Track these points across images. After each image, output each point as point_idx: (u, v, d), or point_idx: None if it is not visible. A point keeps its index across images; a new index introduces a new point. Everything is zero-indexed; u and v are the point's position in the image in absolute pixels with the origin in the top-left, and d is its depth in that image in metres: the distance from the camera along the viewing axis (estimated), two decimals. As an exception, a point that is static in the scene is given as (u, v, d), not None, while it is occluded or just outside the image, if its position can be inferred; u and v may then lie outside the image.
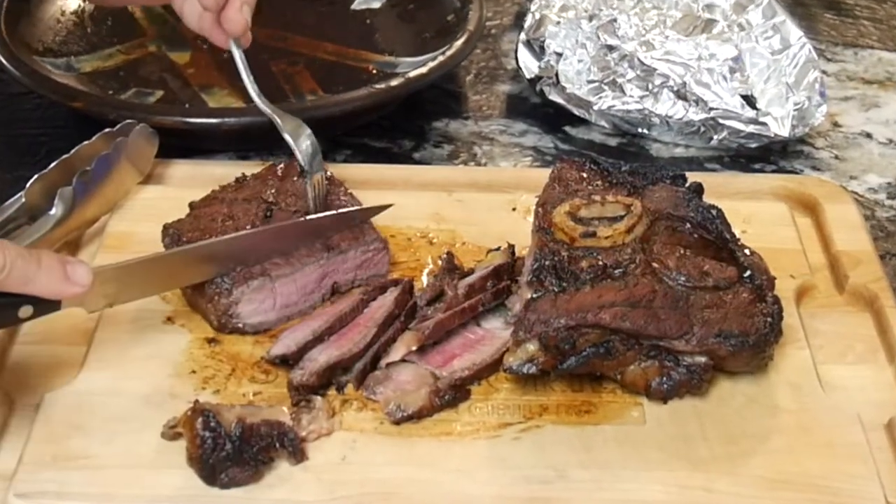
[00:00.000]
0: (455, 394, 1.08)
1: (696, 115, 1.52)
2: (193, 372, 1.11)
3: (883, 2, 2.01)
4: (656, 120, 1.55)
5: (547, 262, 1.08)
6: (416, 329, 1.13)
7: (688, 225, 1.14)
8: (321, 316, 1.17)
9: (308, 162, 1.26)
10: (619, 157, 1.51)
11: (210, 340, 1.15)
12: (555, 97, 1.60)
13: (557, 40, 1.58)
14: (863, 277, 1.24)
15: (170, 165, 1.41)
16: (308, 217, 1.21)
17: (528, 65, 1.62)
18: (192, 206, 1.25)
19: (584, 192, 1.19)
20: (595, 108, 1.57)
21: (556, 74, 1.57)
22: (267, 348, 1.13)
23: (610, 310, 1.03)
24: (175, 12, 1.35)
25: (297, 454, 1.01)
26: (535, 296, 1.06)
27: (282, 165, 1.31)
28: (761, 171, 1.53)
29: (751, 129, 1.51)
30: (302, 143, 1.27)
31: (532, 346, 1.04)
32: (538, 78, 1.61)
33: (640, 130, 1.59)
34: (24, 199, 1.25)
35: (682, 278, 1.07)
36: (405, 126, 1.61)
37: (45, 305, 1.02)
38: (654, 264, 1.09)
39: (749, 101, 1.51)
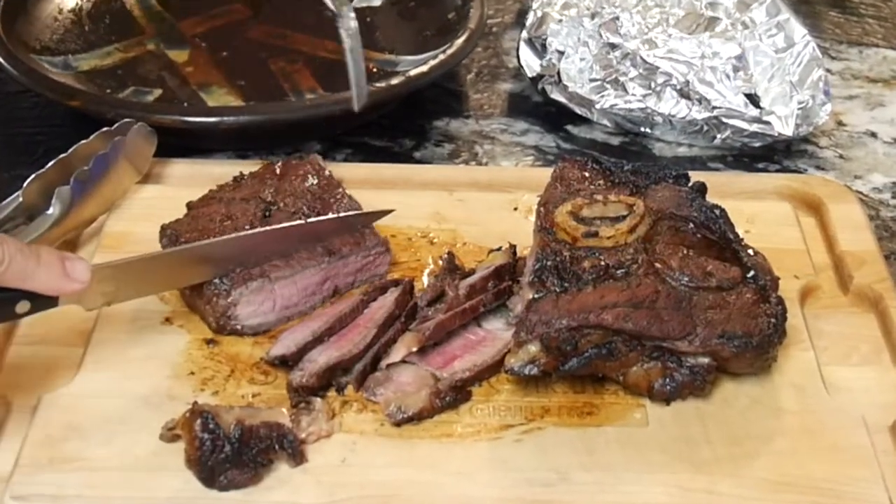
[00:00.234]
0: (456, 395, 1.08)
1: (699, 113, 1.52)
2: (192, 373, 1.11)
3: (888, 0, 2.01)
4: (659, 119, 1.55)
5: (549, 263, 1.08)
6: (417, 330, 1.13)
7: (691, 225, 1.13)
8: (321, 317, 1.17)
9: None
10: (621, 157, 1.52)
11: (209, 341, 1.15)
12: (557, 96, 1.60)
13: (559, 38, 1.58)
14: (867, 278, 1.24)
15: (168, 165, 1.41)
16: (308, 220, 1.21)
17: (530, 63, 1.62)
18: (189, 206, 1.25)
19: (587, 192, 1.19)
20: (597, 106, 1.57)
21: (558, 73, 1.57)
22: (266, 349, 1.13)
23: (612, 310, 1.03)
24: (173, 9, 1.36)
25: (297, 456, 1.01)
26: (536, 296, 1.06)
27: (280, 164, 1.31)
28: (765, 170, 1.53)
29: (754, 128, 1.51)
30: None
31: (534, 347, 1.04)
32: (540, 76, 1.61)
33: (642, 129, 1.59)
34: (21, 199, 1.25)
35: (686, 279, 1.07)
36: (406, 125, 1.61)
37: (42, 301, 1.02)
38: (657, 264, 1.09)
39: (753, 99, 1.50)
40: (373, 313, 1.16)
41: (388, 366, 1.11)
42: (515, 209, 1.36)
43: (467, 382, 1.10)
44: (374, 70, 1.67)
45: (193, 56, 1.69)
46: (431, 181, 1.40)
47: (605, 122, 1.60)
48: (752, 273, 1.09)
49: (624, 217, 1.13)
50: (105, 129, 1.33)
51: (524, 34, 1.64)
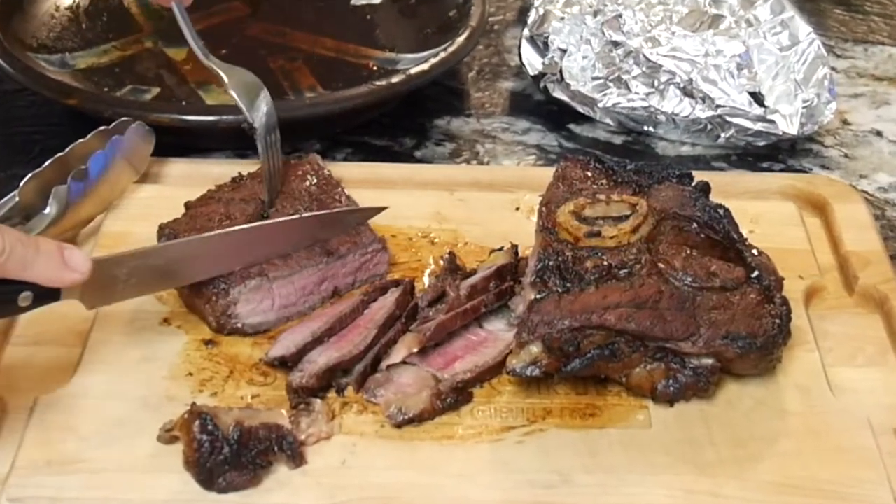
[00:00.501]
0: (457, 396, 1.08)
1: (702, 112, 1.52)
2: (190, 374, 1.12)
3: (894, -3, 2.02)
4: (662, 117, 1.55)
5: (551, 263, 1.08)
6: (418, 331, 1.13)
7: (694, 224, 1.14)
8: (321, 317, 1.17)
9: (261, 122, 1.27)
10: (624, 156, 1.52)
11: (207, 342, 1.15)
12: (559, 94, 1.60)
13: (562, 36, 1.58)
14: (873, 278, 1.24)
15: (166, 164, 1.41)
16: (304, 215, 1.21)
17: (532, 61, 1.62)
18: (187, 205, 1.26)
19: (589, 191, 1.19)
20: (600, 105, 1.57)
21: (561, 71, 1.57)
22: (265, 350, 1.13)
23: (615, 311, 1.03)
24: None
25: (296, 458, 1.01)
26: (538, 296, 1.06)
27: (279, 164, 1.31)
28: (769, 169, 1.53)
29: (758, 126, 1.51)
30: (258, 100, 1.29)
31: (535, 348, 1.04)
32: (542, 75, 1.61)
33: (645, 128, 1.59)
34: (17, 198, 1.25)
35: (689, 279, 1.07)
36: (406, 124, 1.61)
37: (44, 294, 1.02)
38: (660, 264, 1.09)
39: (757, 98, 1.51)
40: (373, 314, 1.16)
41: (389, 367, 1.11)
42: (517, 209, 1.36)
43: (468, 384, 1.10)
44: (375, 68, 1.68)
45: (192, 54, 1.68)
46: (432, 181, 1.40)
47: (608, 120, 1.61)
48: (756, 273, 1.09)
49: (627, 217, 1.13)
50: (102, 127, 1.33)
51: (526, 32, 1.64)
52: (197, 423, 0.98)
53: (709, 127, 1.54)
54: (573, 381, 1.11)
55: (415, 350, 1.11)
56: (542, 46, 1.62)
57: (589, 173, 1.22)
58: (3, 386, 1.09)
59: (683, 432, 1.06)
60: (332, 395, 1.10)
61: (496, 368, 1.12)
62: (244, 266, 1.16)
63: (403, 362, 1.11)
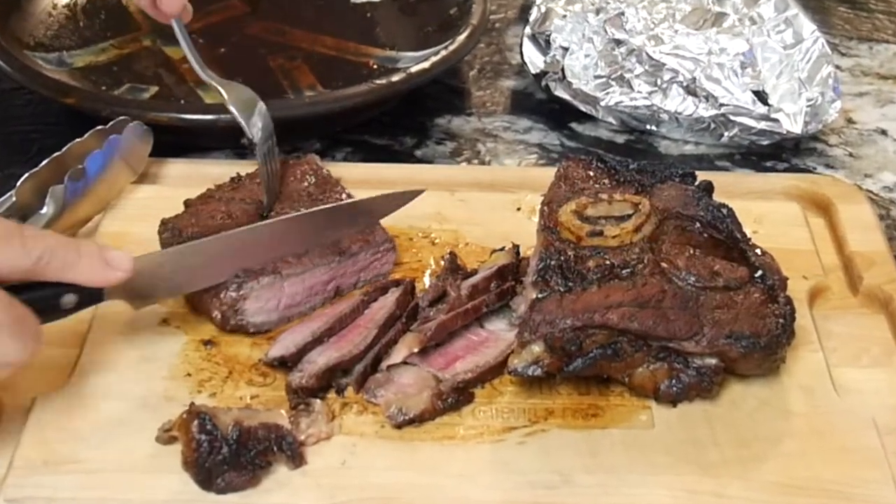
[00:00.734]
0: (458, 397, 1.08)
1: (706, 111, 1.52)
2: (189, 375, 1.12)
3: (899, -5, 2.02)
4: (665, 116, 1.55)
5: (552, 262, 1.09)
6: (418, 331, 1.13)
7: (697, 224, 1.14)
8: (320, 317, 1.17)
9: (259, 136, 1.28)
10: (626, 155, 1.52)
11: (206, 343, 1.16)
12: (561, 93, 1.61)
13: (563, 34, 1.58)
14: (877, 278, 1.25)
15: (164, 164, 1.41)
16: (335, 205, 1.22)
17: (534, 59, 1.62)
18: (187, 203, 1.26)
19: (591, 191, 1.19)
20: (602, 104, 1.57)
21: (562, 69, 1.58)
22: (265, 350, 1.13)
23: (617, 310, 1.04)
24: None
25: (296, 458, 1.01)
26: (540, 296, 1.06)
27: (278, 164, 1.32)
28: (773, 168, 1.53)
29: (762, 125, 1.51)
30: (256, 115, 1.29)
31: (537, 348, 1.04)
32: (543, 73, 1.61)
33: (648, 127, 1.60)
34: (14, 198, 1.25)
35: (692, 278, 1.08)
36: (407, 123, 1.62)
37: (88, 295, 1.04)
38: (663, 264, 1.09)
39: (761, 96, 1.51)
40: (373, 314, 1.17)
41: (389, 367, 1.11)
42: (518, 209, 1.36)
43: (469, 384, 1.10)
44: (375, 67, 1.68)
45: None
46: (433, 181, 1.40)
47: (610, 119, 1.61)
48: (760, 273, 1.09)
49: (629, 216, 1.14)
50: (100, 127, 1.33)
51: (527, 30, 1.64)
52: (196, 422, 0.99)
53: (712, 126, 1.54)
54: (575, 382, 1.11)
55: (415, 350, 1.11)
56: (543, 45, 1.62)
57: (591, 172, 1.23)
58: (0, 386, 1.10)
59: (687, 433, 1.07)
60: (331, 395, 1.10)
61: (497, 368, 1.12)
62: (265, 262, 1.17)
63: (404, 362, 1.11)
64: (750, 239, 1.15)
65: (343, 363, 1.10)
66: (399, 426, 1.06)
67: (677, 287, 1.07)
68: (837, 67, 1.61)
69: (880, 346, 1.18)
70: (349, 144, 1.56)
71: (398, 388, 1.09)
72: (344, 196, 1.28)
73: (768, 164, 1.55)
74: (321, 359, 1.11)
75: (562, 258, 1.09)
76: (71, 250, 1.00)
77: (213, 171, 1.38)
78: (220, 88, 1.30)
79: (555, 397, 1.10)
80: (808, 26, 1.55)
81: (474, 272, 1.22)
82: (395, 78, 1.51)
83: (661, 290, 1.06)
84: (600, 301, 1.05)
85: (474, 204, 1.37)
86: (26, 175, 1.26)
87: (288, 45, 1.74)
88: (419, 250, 1.30)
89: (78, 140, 1.31)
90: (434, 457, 1.04)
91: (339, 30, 1.77)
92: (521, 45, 1.65)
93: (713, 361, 1.06)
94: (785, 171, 1.53)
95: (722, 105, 1.51)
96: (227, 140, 1.51)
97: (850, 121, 1.66)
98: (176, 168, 1.42)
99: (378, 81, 1.51)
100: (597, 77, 1.56)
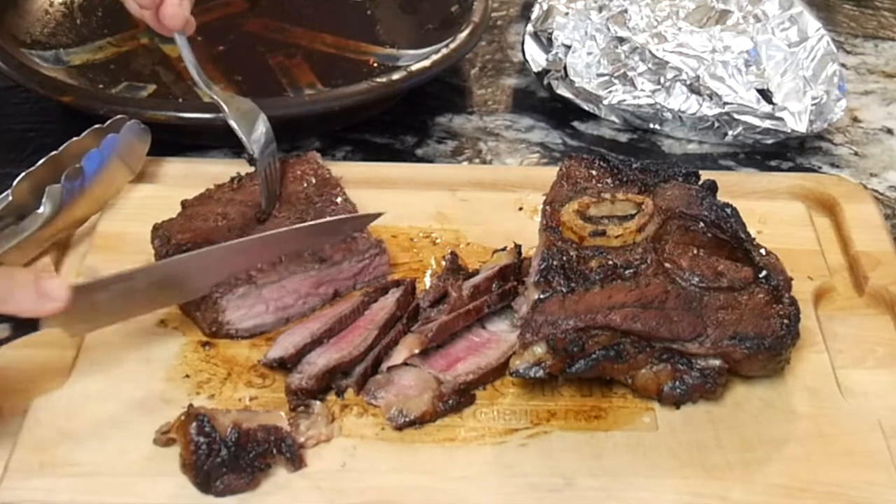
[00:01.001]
0: (459, 398, 1.08)
1: (709, 109, 1.52)
2: (187, 376, 1.12)
3: (904, -8, 2.02)
4: (668, 115, 1.55)
5: (555, 262, 1.09)
6: (419, 332, 1.13)
7: (701, 224, 1.14)
8: (320, 318, 1.17)
9: (260, 150, 1.27)
10: (629, 154, 1.52)
11: (204, 344, 1.16)
12: (563, 91, 1.61)
13: (566, 32, 1.58)
14: (883, 279, 1.25)
15: (162, 163, 1.41)
16: (297, 226, 1.21)
17: (536, 57, 1.63)
18: (184, 204, 1.26)
19: (594, 190, 1.19)
20: (605, 102, 1.57)
21: (565, 67, 1.58)
22: (264, 352, 1.14)
23: (620, 311, 1.04)
24: None
25: (296, 461, 1.01)
26: (542, 296, 1.06)
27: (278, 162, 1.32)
28: (778, 167, 1.53)
29: (767, 124, 1.51)
30: (258, 128, 1.29)
31: (539, 349, 1.04)
32: (546, 71, 1.61)
33: (651, 126, 1.60)
34: (10, 198, 1.25)
35: (696, 279, 1.08)
36: (407, 121, 1.62)
37: (23, 326, 1.01)
38: (667, 264, 1.09)
39: (765, 95, 1.51)
40: (373, 314, 1.17)
41: (390, 368, 1.11)
42: (520, 209, 1.37)
43: (471, 385, 1.10)
44: (375, 65, 1.68)
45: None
46: (434, 180, 1.40)
47: (613, 118, 1.61)
48: (764, 273, 1.09)
49: (632, 216, 1.14)
50: (97, 125, 1.33)
51: (529, 27, 1.64)
52: (194, 424, 0.99)
53: (716, 124, 1.54)
54: (578, 383, 1.11)
55: (416, 351, 1.11)
56: (545, 42, 1.62)
57: (593, 172, 1.23)
58: (-3, 388, 1.10)
59: (690, 435, 1.07)
60: (331, 397, 1.10)
61: (499, 370, 1.12)
62: (234, 275, 1.16)
63: (404, 364, 1.11)
64: (754, 239, 1.15)
65: (343, 364, 1.10)
66: (400, 428, 1.06)
67: (681, 287, 1.07)
68: (843, 65, 1.61)
69: (886, 347, 1.19)
70: (349, 143, 1.56)
71: (399, 390, 1.09)
72: (339, 199, 1.27)
73: (773, 163, 1.55)
74: (321, 360, 1.11)
75: (564, 258, 1.09)
76: (4, 283, 0.98)
77: (212, 170, 1.38)
78: (221, 104, 1.30)
79: (557, 399, 1.10)
80: (812, 24, 1.55)
81: (476, 272, 1.22)
82: (395, 76, 1.51)
83: (665, 290, 1.06)
84: (603, 302, 1.05)
85: (476, 203, 1.37)
86: (22, 174, 1.26)
87: (287, 42, 1.74)
88: (420, 250, 1.30)
89: (75, 139, 1.31)
90: (435, 459, 1.04)
91: (339, 27, 1.77)
92: (522, 43, 1.65)
93: (717, 363, 1.06)
94: (790, 170, 1.53)
95: (726, 103, 1.51)
96: (226, 139, 1.51)
97: (855, 119, 1.66)
98: (174, 167, 1.42)
99: (378, 79, 1.51)
100: (599, 75, 1.56)
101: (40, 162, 1.28)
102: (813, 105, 1.51)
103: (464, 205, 1.37)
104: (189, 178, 1.38)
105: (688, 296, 1.06)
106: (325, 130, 1.57)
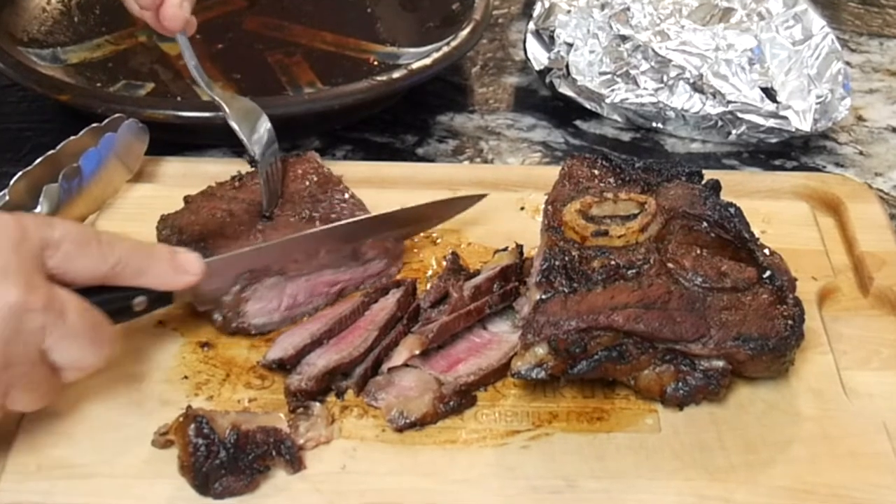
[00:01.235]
0: (460, 400, 1.08)
1: (713, 108, 1.52)
2: (185, 377, 1.12)
3: (910, -10, 2.02)
4: (671, 114, 1.55)
5: (557, 262, 1.09)
6: (420, 332, 1.13)
7: (704, 224, 1.14)
8: (320, 319, 1.17)
9: (262, 151, 1.27)
10: (632, 153, 1.52)
11: (203, 345, 1.16)
12: (565, 90, 1.61)
13: (568, 30, 1.58)
14: (888, 279, 1.25)
15: (161, 163, 1.41)
16: (394, 210, 1.24)
17: (537, 56, 1.63)
18: (187, 199, 1.26)
19: (596, 190, 1.19)
20: (607, 101, 1.57)
21: (567, 66, 1.58)
22: (263, 352, 1.14)
23: (623, 311, 1.04)
24: None
25: (295, 463, 1.01)
26: (544, 297, 1.06)
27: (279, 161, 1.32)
28: (782, 167, 1.53)
29: (771, 123, 1.51)
30: (259, 129, 1.29)
31: (541, 350, 1.04)
32: (548, 70, 1.61)
33: (654, 125, 1.60)
34: (7, 197, 1.25)
35: (699, 279, 1.08)
36: (408, 120, 1.62)
37: (158, 297, 1.07)
38: (670, 264, 1.09)
39: (769, 93, 1.51)
40: (374, 315, 1.17)
41: (390, 369, 1.11)
42: (522, 209, 1.37)
43: (472, 387, 1.10)
44: (375, 63, 1.68)
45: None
46: (435, 180, 1.40)
47: (616, 116, 1.61)
48: (768, 273, 1.09)
49: (635, 215, 1.14)
50: (95, 124, 1.33)
51: (531, 25, 1.64)
52: (192, 426, 0.99)
53: (719, 123, 1.54)
54: (580, 384, 1.11)
55: (417, 352, 1.11)
56: (547, 40, 1.62)
57: (596, 171, 1.23)
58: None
59: (693, 436, 1.06)
60: (331, 398, 1.10)
61: (500, 371, 1.12)
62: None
63: (405, 365, 1.11)
64: (758, 239, 1.14)
65: (343, 365, 1.10)
66: (400, 430, 1.06)
67: (684, 288, 1.07)
68: (847, 64, 1.61)
69: (891, 348, 1.18)
70: (349, 142, 1.56)
71: (399, 391, 1.09)
72: (347, 195, 1.28)
73: (777, 162, 1.55)
74: (321, 361, 1.11)
75: (566, 258, 1.09)
76: (143, 255, 1.04)
77: (211, 169, 1.38)
78: (222, 105, 1.30)
79: (559, 400, 1.10)
80: (817, 22, 1.56)
81: (477, 273, 1.22)
82: (395, 74, 1.51)
83: (668, 291, 1.06)
84: (605, 302, 1.05)
85: (477, 203, 1.36)
86: (20, 174, 1.26)
87: (287, 40, 1.74)
88: (421, 250, 1.30)
89: (72, 138, 1.31)
90: (436, 461, 1.04)
91: (339, 25, 1.77)
92: (524, 41, 1.65)
93: (720, 364, 1.06)
94: (794, 169, 1.53)
95: (729, 102, 1.51)
96: (225, 138, 1.51)
97: (860, 118, 1.66)
98: (172, 166, 1.42)
99: (379, 78, 1.51)
100: (602, 74, 1.57)
101: (37, 161, 1.28)
102: (817, 104, 1.51)
103: (465, 204, 1.37)
104: (188, 177, 1.38)
105: (691, 296, 1.06)
106: (324, 129, 1.57)
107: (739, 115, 1.52)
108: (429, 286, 1.23)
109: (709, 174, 1.23)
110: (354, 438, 1.06)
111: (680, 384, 1.07)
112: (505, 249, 1.25)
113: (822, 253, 1.30)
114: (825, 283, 1.25)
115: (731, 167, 1.53)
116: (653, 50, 1.53)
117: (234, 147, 1.51)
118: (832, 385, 1.13)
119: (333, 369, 1.10)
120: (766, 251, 1.13)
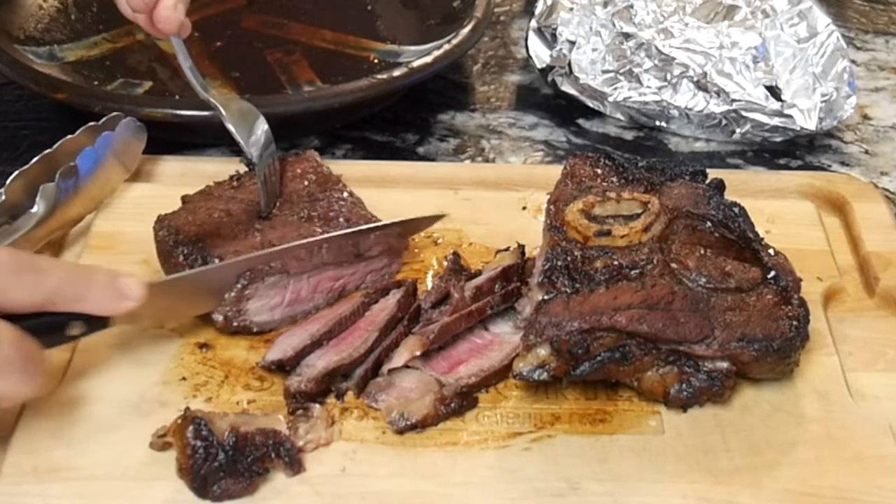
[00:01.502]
0: (461, 401, 1.08)
1: (717, 107, 1.52)
2: (184, 379, 1.12)
3: (916, -13, 2.02)
4: (675, 112, 1.55)
5: (559, 263, 1.09)
6: (421, 333, 1.13)
7: (708, 223, 1.14)
8: (320, 319, 1.17)
9: (259, 154, 1.27)
10: (635, 152, 1.52)
11: (202, 346, 1.16)
12: (567, 88, 1.61)
13: (570, 28, 1.58)
14: (894, 280, 1.25)
15: (159, 162, 1.41)
16: (348, 230, 1.22)
17: (539, 54, 1.63)
18: (185, 199, 1.26)
19: (599, 189, 1.19)
20: (610, 99, 1.57)
21: (569, 64, 1.58)
22: (262, 353, 1.14)
23: (626, 312, 1.04)
24: None
25: (294, 465, 1.01)
26: (546, 297, 1.06)
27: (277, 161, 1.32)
28: (786, 166, 1.53)
29: (775, 121, 1.51)
30: (256, 131, 1.29)
31: (543, 351, 1.04)
32: (550, 68, 1.61)
33: (657, 123, 1.60)
34: (3, 197, 1.25)
35: (703, 279, 1.08)
36: (409, 119, 1.62)
37: (96, 322, 1.05)
38: (673, 264, 1.09)
39: (773, 92, 1.51)
40: (374, 316, 1.17)
41: (391, 371, 1.11)
42: (524, 208, 1.37)
43: (473, 388, 1.10)
44: (376, 61, 1.68)
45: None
46: (436, 179, 1.40)
47: (619, 115, 1.61)
48: (772, 273, 1.09)
49: (638, 215, 1.14)
50: (92, 123, 1.33)
51: (533, 23, 1.64)
52: (191, 428, 0.99)
53: (723, 122, 1.54)
54: (582, 386, 1.11)
55: (417, 353, 1.11)
56: (549, 38, 1.62)
57: (598, 170, 1.23)
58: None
59: (697, 439, 1.06)
60: (331, 400, 1.10)
61: (502, 372, 1.12)
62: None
63: (406, 366, 1.11)
64: (762, 239, 1.14)
65: (343, 367, 1.10)
66: (401, 432, 1.06)
67: (688, 288, 1.07)
68: (853, 62, 1.61)
69: (897, 349, 1.18)
70: (349, 141, 1.56)
71: (400, 393, 1.09)
72: (345, 194, 1.28)
73: (781, 161, 1.55)
74: (320, 362, 1.11)
75: (568, 258, 1.09)
76: (82, 281, 1.02)
77: (209, 169, 1.38)
78: (219, 108, 1.30)
79: (561, 402, 1.10)
80: (822, 19, 1.56)
81: (478, 273, 1.22)
82: (396, 73, 1.51)
83: (671, 291, 1.06)
84: (608, 303, 1.05)
85: (478, 203, 1.37)
86: (16, 173, 1.26)
87: (286, 38, 1.74)
88: (421, 250, 1.30)
89: (69, 137, 1.31)
90: (437, 463, 1.04)
91: (338, 23, 1.77)
92: (526, 39, 1.65)
93: (724, 365, 1.06)
94: (798, 168, 1.53)
95: (734, 101, 1.51)
96: (223, 137, 1.51)
97: (865, 117, 1.66)
98: (170, 166, 1.42)
99: (379, 76, 1.51)
100: (604, 72, 1.57)
101: (34, 160, 1.28)
102: (822, 102, 1.51)
103: (466, 204, 1.36)
104: (186, 176, 1.38)
105: (695, 297, 1.06)
106: (324, 128, 1.57)
107: (744, 113, 1.52)
108: (430, 286, 1.23)
109: (713, 173, 1.23)
110: (354, 440, 1.06)
111: (684, 385, 1.07)
112: (507, 249, 1.25)
113: (827, 253, 1.30)
114: (830, 284, 1.25)
115: (736, 166, 1.53)
116: (656, 48, 1.53)
117: (233, 146, 1.50)
118: (837, 387, 1.12)
119: (333, 371, 1.10)
120: (771, 251, 1.13)
